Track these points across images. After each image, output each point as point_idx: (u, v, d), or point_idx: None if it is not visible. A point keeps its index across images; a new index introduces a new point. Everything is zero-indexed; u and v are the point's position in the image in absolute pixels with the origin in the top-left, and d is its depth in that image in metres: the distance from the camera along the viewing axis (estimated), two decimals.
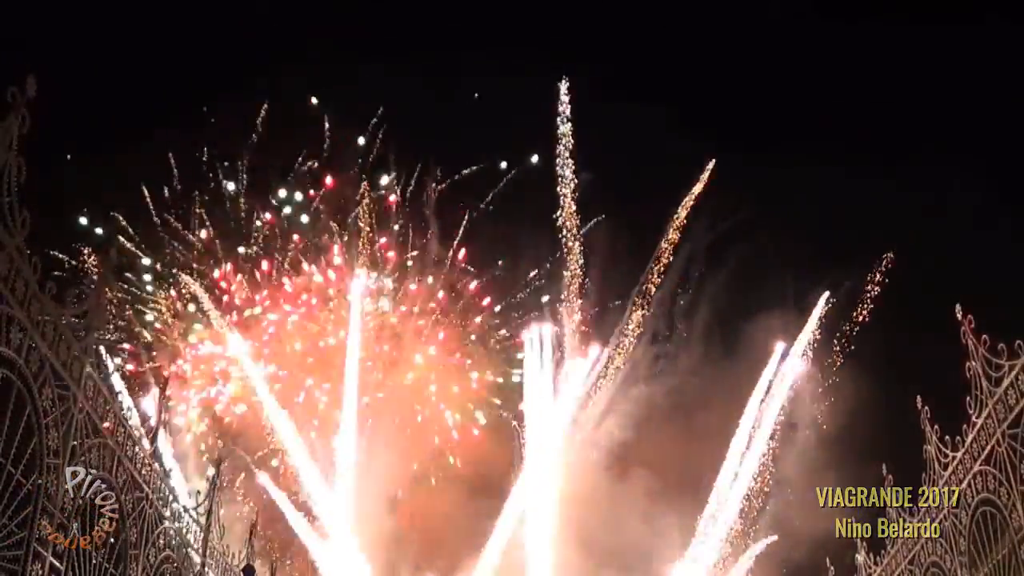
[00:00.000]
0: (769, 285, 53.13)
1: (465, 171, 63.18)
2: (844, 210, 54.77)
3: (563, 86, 59.34)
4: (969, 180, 46.83)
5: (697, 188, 58.89)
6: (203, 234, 61.06)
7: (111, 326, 54.11)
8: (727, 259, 55.89)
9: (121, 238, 58.82)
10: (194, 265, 60.34)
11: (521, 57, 59.70)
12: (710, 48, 63.04)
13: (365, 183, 61.67)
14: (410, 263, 63.15)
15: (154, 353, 57.92)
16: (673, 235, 58.75)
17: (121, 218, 59.20)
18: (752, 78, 62.19)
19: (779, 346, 51.90)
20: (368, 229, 61.24)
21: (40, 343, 16.86)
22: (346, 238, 62.13)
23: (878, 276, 52.33)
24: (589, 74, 60.02)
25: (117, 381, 41.88)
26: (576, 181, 58.70)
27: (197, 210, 60.78)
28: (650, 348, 58.77)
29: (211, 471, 28.68)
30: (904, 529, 25.84)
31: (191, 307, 58.95)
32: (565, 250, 58.79)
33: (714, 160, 58.82)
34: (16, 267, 15.94)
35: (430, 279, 62.96)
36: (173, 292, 59.09)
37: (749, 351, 52.78)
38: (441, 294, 63.23)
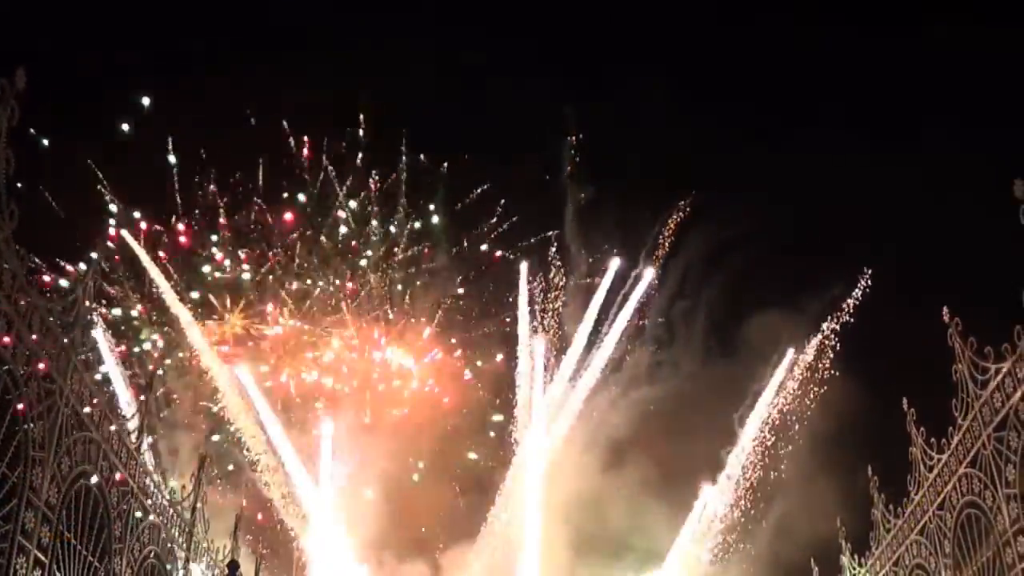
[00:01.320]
0: (759, 288, 53.14)
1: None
2: (832, 212, 54.75)
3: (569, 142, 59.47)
4: (954, 180, 47.04)
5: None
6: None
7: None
8: (719, 265, 55.89)
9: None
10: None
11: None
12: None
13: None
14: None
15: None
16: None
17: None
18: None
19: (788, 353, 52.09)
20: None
21: (26, 335, 16.81)
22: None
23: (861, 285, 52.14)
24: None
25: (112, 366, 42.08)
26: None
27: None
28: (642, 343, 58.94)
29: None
30: (889, 530, 25.94)
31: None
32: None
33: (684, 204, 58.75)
34: (3, 259, 15.89)
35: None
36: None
37: (740, 353, 53.02)
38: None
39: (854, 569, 28.93)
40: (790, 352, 51.37)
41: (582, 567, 50.95)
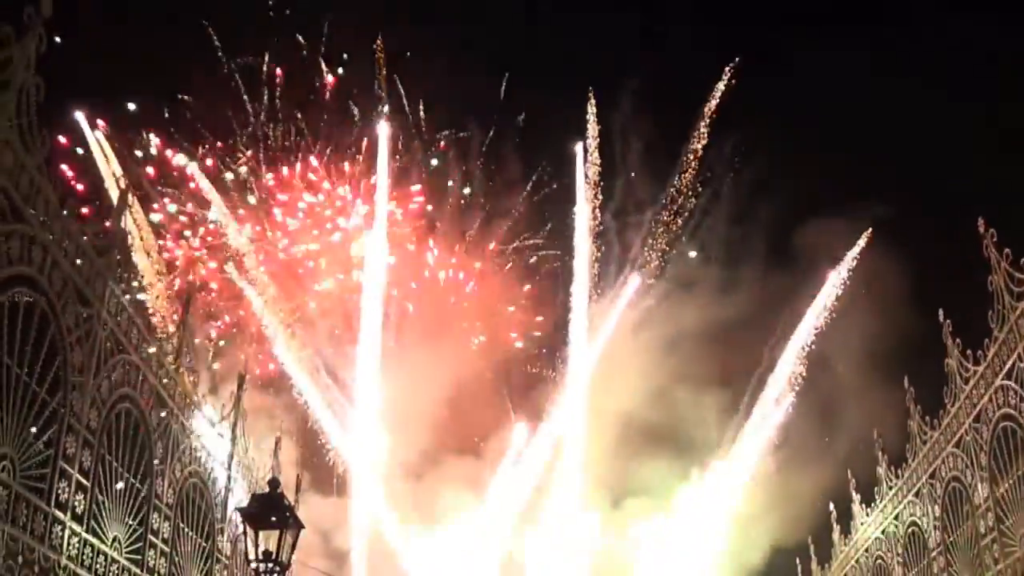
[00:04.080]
0: (803, 205, 53.05)
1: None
2: (868, 127, 54.33)
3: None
4: (990, 94, 46.37)
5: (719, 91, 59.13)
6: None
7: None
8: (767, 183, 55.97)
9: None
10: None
11: None
12: None
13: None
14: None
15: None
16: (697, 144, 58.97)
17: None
18: None
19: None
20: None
21: (62, 261, 16.93)
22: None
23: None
24: None
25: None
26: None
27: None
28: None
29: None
30: (925, 442, 25.86)
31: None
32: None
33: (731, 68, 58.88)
34: (37, 187, 15.97)
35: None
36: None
37: (785, 265, 53.24)
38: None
39: (890, 481, 28.96)
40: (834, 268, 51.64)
41: (626, 458, 51.71)
